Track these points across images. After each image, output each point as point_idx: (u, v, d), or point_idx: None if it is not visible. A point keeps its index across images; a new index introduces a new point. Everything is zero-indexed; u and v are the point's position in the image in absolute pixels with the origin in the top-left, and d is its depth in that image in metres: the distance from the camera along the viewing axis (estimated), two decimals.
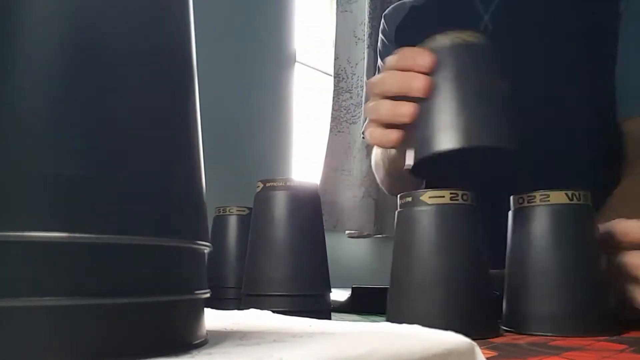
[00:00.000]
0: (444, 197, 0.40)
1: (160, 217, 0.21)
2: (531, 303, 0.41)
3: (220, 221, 0.68)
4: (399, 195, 0.43)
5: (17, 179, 0.18)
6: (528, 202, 0.43)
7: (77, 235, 0.18)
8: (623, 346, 0.35)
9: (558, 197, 0.42)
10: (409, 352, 0.22)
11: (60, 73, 0.20)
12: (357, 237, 1.58)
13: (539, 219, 0.42)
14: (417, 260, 0.40)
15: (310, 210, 0.52)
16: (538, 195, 0.43)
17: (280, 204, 0.51)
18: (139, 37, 0.22)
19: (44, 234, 0.18)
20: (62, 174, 0.19)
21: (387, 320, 0.41)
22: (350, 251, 1.62)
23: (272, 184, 0.52)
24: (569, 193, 0.42)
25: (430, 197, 0.40)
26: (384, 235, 1.60)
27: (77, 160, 0.19)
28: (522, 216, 0.43)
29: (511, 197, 0.45)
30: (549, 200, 0.42)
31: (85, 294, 0.19)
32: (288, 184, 0.51)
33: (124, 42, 0.22)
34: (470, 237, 0.40)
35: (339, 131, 1.49)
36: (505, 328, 0.43)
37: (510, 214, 0.45)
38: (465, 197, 0.40)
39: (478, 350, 0.25)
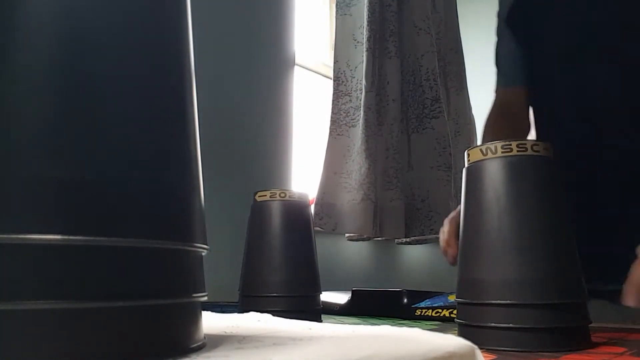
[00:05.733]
0: (511, 148, 0.38)
1: (157, 220, 0.21)
2: (484, 270, 0.37)
3: None
4: (466, 151, 0.42)
5: (12, 181, 0.18)
6: (480, 157, 0.39)
7: (72, 237, 0.18)
8: (623, 349, 0.35)
9: (511, 148, 0.38)
10: (409, 355, 0.21)
11: (55, 76, 0.20)
12: (357, 239, 1.57)
13: (491, 173, 0.39)
14: (485, 218, 0.38)
15: (302, 219, 0.57)
16: (489, 147, 0.39)
17: (274, 214, 0.56)
18: (135, 40, 0.22)
19: (38, 236, 0.18)
20: (58, 177, 0.19)
21: (458, 283, 0.40)
22: (350, 254, 1.62)
23: (267, 194, 0.57)
24: (524, 143, 0.38)
25: (497, 149, 0.38)
26: (383, 238, 1.60)
27: (73, 163, 0.19)
28: (474, 172, 0.40)
29: (465, 153, 0.42)
30: (500, 153, 0.38)
31: (81, 298, 0.18)
32: (281, 195, 0.56)
33: (119, 46, 0.21)
34: (540, 191, 0.37)
35: (338, 134, 1.49)
36: (460, 300, 0.39)
37: (464, 171, 0.42)
38: (535, 148, 0.38)
39: (478, 352, 0.25)
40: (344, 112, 1.49)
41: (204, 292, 0.25)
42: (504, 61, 1.02)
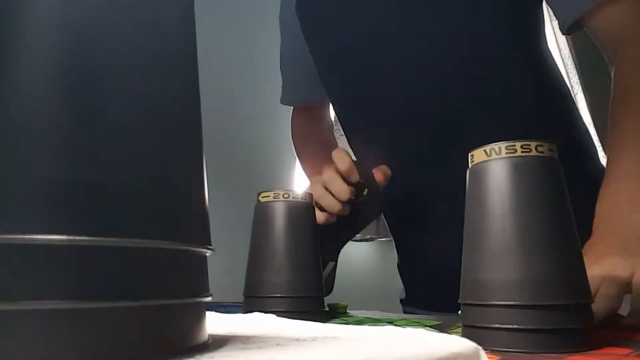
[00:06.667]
0: (515, 149, 0.38)
1: (161, 221, 0.21)
2: (488, 271, 0.37)
3: None
4: (469, 152, 0.41)
5: (17, 182, 0.18)
6: (484, 158, 0.39)
7: (77, 238, 0.18)
8: (628, 350, 0.35)
9: (515, 149, 0.38)
10: (414, 357, 0.21)
11: (60, 77, 0.20)
12: (360, 240, 1.57)
13: (495, 174, 0.38)
14: (489, 219, 0.38)
15: (305, 219, 0.57)
16: (493, 148, 0.39)
17: (277, 214, 0.56)
18: (139, 41, 0.22)
19: (43, 237, 0.18)
20: (63, 177, 0.19)
21: (462, 284, 0.40)
22: (353, 254, 1.61)
23: (270, 195, 0.57)
24: (528, 144, 0.38)
25: (501, 149, 0.38)
26: (387, 238, 1.60)
27: (77, 164, 0.19)
28: (478, 173, 0.40)
29: (469, 155, 0.42)
30: (504, 154, 0.38)
31: (85, 298, 0.18)
32: (285, 195, 0.56)
33: (124, 47, 0.22)
34: (544, 192, 0.37)
35: (342, 134, 1.49)
36: (464, 301, 0.39)
37: (467, 172, 0.42)
38: (539, 149, 0.38)
39: (483, 353, 0.25)
40: None
41: (209, 292, 0.25)
42: (294, 73, 0.99)
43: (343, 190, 0.66)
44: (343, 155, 0.67)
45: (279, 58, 1.50)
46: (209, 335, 0.26)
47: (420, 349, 0.23)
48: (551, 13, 0.73)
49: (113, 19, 0.21)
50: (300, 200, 0.57)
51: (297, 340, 0.26)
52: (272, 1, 1.50)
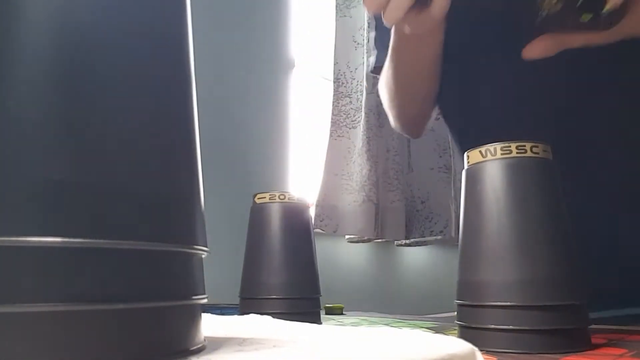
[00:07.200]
0: (510, 150, 0.38)
1: (156, 222, 0.21)
2: (484, 272, 0.37)
3: None
4: (465, 152, 0.41)
5: (11, 183, 0.18)
6: (479, 158, 0.39)
7: (71, 240, 0.18)
8: (623, 350, 0.35)
9: (510, 150, 0.38)
10: (410, 357, 0.21)
11: (54, 78, 0.20)
12: (357, 241, 1.57)
13: (490, 175, 0.39)
14: (485, 220, 0.38)
15: (301, 221, 0.57)
16: (488, 149, 0.39)
17: (273, 216, 0.56)
18: (134, 40, 0.22)
19: (38, 239, 0.18)
20: (57, 179, 0.19)
21: (458, 285, 0.40)
22: (350, 256, 1.61)
23: (266, 196, 0.57)
24: (523, 145, 0.38)
25: (497, 150, 0.38)
26: (384, 240, 1.60)
27: (72, 165, 0.19)
28: (474, 174, 0.40)
29: (464, 155, 0.42)
30: (500, 155, 0.38)
31: (80, 300, 0.18)
32: (281, 197, 0.56)
33: (118, 45, 0.21)
34: (540, 193, 0.38)
35: (338, 136, 1.49)
36: (460, 302, 0.39)
37: (463, 173, 0.42)
38: (535, 150, 0.38)
39: (479, 354, 0.25)
40: (344, 114, 1.49)
41: (204, 294, 0.25)
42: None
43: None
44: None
45: (276, 59, 1.50)
46: (205, 337, 0.26)
47: (417, 350, 0.23)
48: None
49: (110, 21, 0.21)
50: (296, 201, 0.57)
51: (294, 341, 0.26)
52: None
